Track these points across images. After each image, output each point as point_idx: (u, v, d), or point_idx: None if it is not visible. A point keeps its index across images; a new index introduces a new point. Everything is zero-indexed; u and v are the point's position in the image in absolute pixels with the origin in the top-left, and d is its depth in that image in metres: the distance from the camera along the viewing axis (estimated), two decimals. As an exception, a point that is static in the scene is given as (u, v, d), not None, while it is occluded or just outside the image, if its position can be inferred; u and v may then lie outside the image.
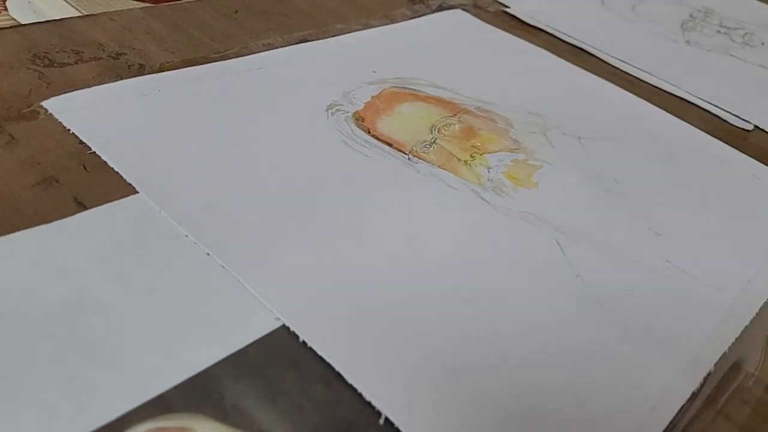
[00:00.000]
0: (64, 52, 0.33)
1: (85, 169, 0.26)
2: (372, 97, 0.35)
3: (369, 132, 0.33)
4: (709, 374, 0.24)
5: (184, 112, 0.31)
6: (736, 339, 0.26)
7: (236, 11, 0.41)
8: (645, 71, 0.46)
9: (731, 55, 0.53)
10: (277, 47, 0.38)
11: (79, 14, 0.37)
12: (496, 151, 0.34)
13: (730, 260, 0.30)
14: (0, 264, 0.21)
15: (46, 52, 0.32)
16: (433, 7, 0.49)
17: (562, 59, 0.44)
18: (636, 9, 0.57)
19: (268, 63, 0.36)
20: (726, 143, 0.40)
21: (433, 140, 0.33)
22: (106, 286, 0.22)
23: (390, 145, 0.32)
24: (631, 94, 0.42)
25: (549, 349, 0.24)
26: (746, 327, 0.27)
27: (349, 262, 0.25)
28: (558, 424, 0.21)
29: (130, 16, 0.37)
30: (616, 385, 0.23)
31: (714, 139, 0.40)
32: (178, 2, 0.40)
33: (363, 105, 0.35)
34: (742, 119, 0.43)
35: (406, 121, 0.34)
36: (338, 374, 0.21)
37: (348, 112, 0.34)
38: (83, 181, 0.25)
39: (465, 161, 0.33)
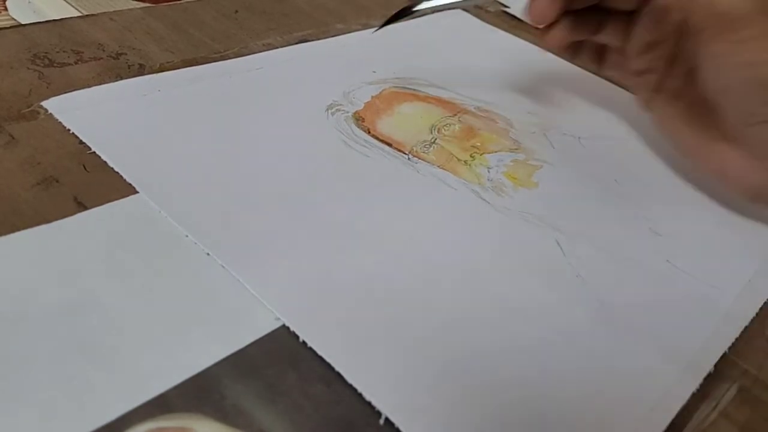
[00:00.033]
0: (64, 52, 0.33)
1: (85, 169, 0.26)
2: (372, 97, 0.35)
3: (369, 132, 0.33)
4: (709, 374, 0.24)
5: (184, 112, 0.31)
6: (736, 339, 0.26)
7: (236, 11, 0.41)
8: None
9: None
10: (277, 47, 0.38)
11: (79, 14, 0.37)
12: (496, 151, 0.34)
13: (730, 260, 0.30)
14: (0, 264, 0.21)
15: (46, 52, 0.32)
16: (433, 7, 0.49)
17: (562, 59, 0.44)
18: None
19: (268, 63, 0.36)
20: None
21: (433, 140, 0.33)
22: (106, 286, 0.22)
23: (390, 145, 0.32)
24: (631, 94, 0.42)
25: (549, 349, 0.24)
26: (746, 327, 0.27)
27: (349, 262, 0.25)
28: (558, 424, 0.21)
29: (130, 16, 0.37)
30: (616, 385, 0.23)
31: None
32: (178, 2, 0.40)
33: (363, 105, 0.35)
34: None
35: (406, 121, 0.34)
36: (338, 374, 0.21)
37: (348, 112, 0.34)
38: (83, 181, 0.25)
39: (465, 161, 0.33)
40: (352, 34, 0.42)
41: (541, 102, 0.39)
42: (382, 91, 0.36)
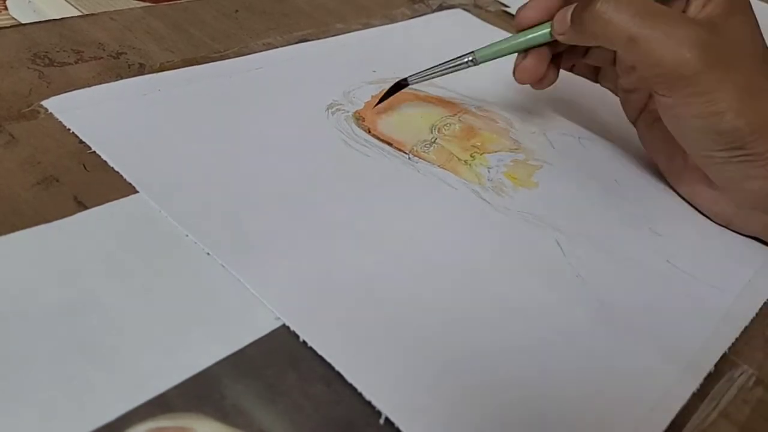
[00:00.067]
0: (64, 51, 0.33)
1: (85, 168, 0.26)
2: (372, 96, 0.35)
3: (369, 131, 0.33)
4: (709, 374, 0.24)
5: (184, 111, 0.31)
6: (736, 339, 0.26)
7: (236, 11, 0.41)
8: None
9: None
10: (277, 47, 0.38)
11: (80, 14, 0.37)
12: (496, 151, 0.34)
13: (730, 260, 0.30)
14: (0, 264, 0.21)
15: (46, 52, 0.32)
16: (433, 7, 0.49)
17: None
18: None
19: (268, 63, 0.36)
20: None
21: (433, 140, 0.33)
22: (106, 286, 0.22)
23: (390, 144, 0.32)
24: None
25: (549, 349, 0.24)
26: (746, 327, 0.27)
27: (349, 262, 0.25)
28: (558, 424, 0.21)
29: (131, 15, 0.37)
30: (616, 385, 0.23)
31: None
32: (178, 2, 0.40)
33: (363, 104, 0.35)
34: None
35: (406, 121, 0.34)
36: (338, 374, 0.21)
37: (348, 112, 0.34)
38: (83, 181, 0.25)
39: (465, 161, 0.33)
40: (352, 34, 0.42)
41: (541, 102, 0.39)
42: (382, 90, 0.36)
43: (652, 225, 0.31)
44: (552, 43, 0.33)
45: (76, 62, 0.32)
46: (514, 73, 0.34)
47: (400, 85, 0.34)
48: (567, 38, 0.31)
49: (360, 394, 0.20)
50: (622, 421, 0.22)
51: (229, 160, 0.28)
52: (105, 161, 0.26)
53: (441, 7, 0.49)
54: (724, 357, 0.25)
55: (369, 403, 0.20)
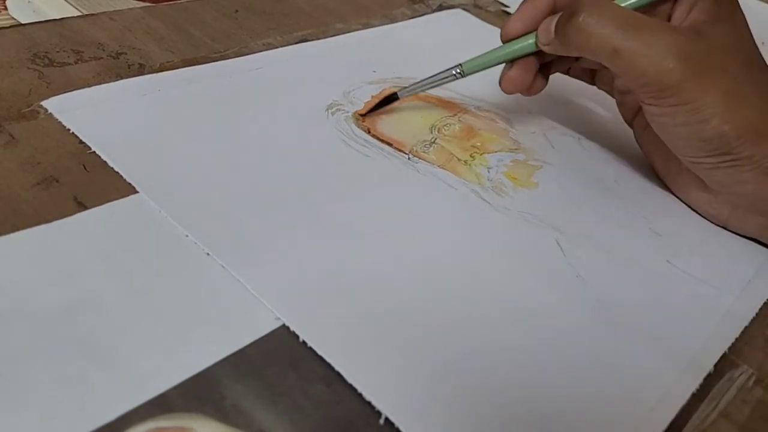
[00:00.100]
0: (64, 51, 0.33)
1: (85, 169, 0.26)
2: (372, 96, 0.35)
3: (369, 132, 0.33)
4: (709, 374, 0.24)
5: (184, 111, 0.31)
6: (736, 339, 0.26)
7: (236, 11, 0.41)
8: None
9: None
10: (277, 47, 0.38)
11: (79, 14, 0.37)
12: (496, 151, 0.34)
13: (730, 260, 0.30)
14: (0, 264, 0.21)
15: (46, 52, 0.32)
16: (433, 7, 0.49)
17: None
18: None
19: (268, 63, 0.36)
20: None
21: (433, 140, 0.33)
22: (106, 286, 0.22)
23: (390, 144, 0.32)
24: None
25: (549, 349, 0.24)
26: (746, 327, 0.27)
27: (349, 262, 0.25)
28: (558, 424, 0.21)
29: (130, 15, 0.37)
30: (616, 386, 0.23)
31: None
32: (178, 2, 0.40)
33: (363, 105, 0.35)
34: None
35: (406, 121, 0.34)
36: (338, 374, 0.21)
37: (348, 112, 0.34)
38: (83, 181, 0.25)
39: (465, 161, 0.33)
40: (352, 34, 0.42)
41: (541, 102, 0.39)
42: (382, 90, 0.36)
43: (652, 225, 0.31)
44: (539, 53, 0.33)
45: (75, 62, 0.32)
46: (500, 83, 0.34)
47: (390, 98, 0.34)
48: (552, 49, 0.31)
49: (360, 394, 0.20)
50: (622, 421, 0.22)
51: (229, 160, 0.28)
52: (105, 161, 0.26)
53: (441, 7, 0.49)
54: (724, 357, 0.25)
55: (369, 403, 0.20)
